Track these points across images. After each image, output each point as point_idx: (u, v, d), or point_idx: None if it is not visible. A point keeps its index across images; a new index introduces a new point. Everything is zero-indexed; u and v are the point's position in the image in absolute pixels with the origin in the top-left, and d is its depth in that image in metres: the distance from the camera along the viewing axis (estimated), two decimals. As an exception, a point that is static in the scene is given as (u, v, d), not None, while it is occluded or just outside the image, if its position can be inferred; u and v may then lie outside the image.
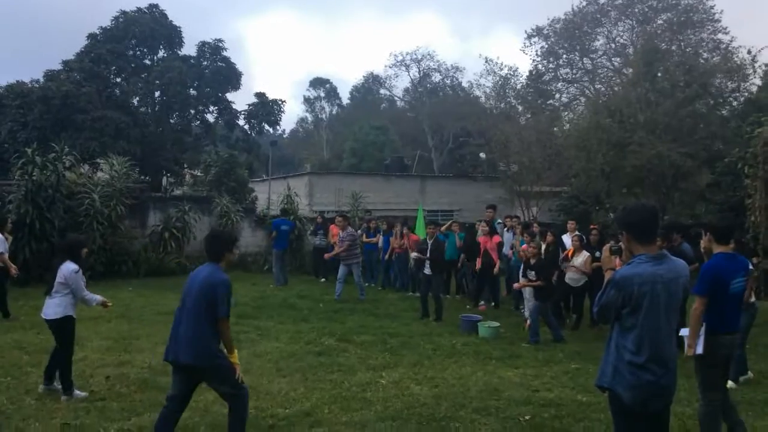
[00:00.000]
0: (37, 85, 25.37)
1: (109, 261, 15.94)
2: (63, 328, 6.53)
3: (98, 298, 6.76)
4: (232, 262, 5.18)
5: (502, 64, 41.38)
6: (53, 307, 6.50)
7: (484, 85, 37.75)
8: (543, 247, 11.31)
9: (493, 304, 13.21)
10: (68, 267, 6.53)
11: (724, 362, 5.21)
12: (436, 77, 53.22)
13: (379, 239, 16.35)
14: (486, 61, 40.01)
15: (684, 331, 5.21)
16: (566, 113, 32.62)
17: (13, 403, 6.29)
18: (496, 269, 12.93)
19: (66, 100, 23.14)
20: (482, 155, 31.59)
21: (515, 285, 11.32)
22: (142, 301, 12.63)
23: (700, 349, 5.07)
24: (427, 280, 11.88)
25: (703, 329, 5.10)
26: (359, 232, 16.71)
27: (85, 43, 27.53)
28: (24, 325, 10.18)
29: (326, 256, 15.35)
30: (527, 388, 7.21)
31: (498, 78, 34.37)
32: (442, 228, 14.15)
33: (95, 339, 9.06)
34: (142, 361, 7.95)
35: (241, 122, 32.29)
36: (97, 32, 27.80)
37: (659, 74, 20.20)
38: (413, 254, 13.11)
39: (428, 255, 11.83)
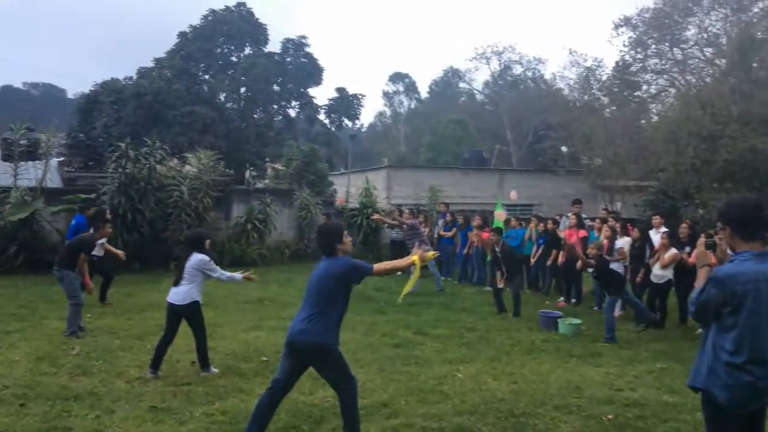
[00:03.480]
0: (131, 83, 26.56)
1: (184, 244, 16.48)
2: (192, 311, 6.97)
3: (237, 275, 7.26)
4: (348, 251, 5.23)
5: (586, 55, 40.31)
6: (182, 294, 6.92)
7: (567, 77, 36.99)
8: (629, 242, 10.99)
9: (574, 300, 12.93)
10: (199, 257, 6.98)
11: None
12: (517, 70, 52.44)
13: (455, 233, 16.29)
14: (570, 53, 39.19)
15: None
16: (654, 105, 31.47)
17: (104, 385, 6.60)
18: (579, 264, 12.62)
19: (157, 97, 24.13)
20: (564, 149, 30.87)
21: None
22: (225, 290, 12.99)
23: None
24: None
25: None
26: (439, 224, 16.75)
27: (175, 42, 28.60)
28: (115, 311, 10.70)
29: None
30: (610, 386, 7.03)
31: (582, 69, 33.52)
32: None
33: (181, 326, 9.41)
34: (226, 348, 8.21)
35: (322, 116, 32.82)
36: (188, 31, 28.82)
37: (755, 64, 19.18)
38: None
39: (500, 263, 11.67)
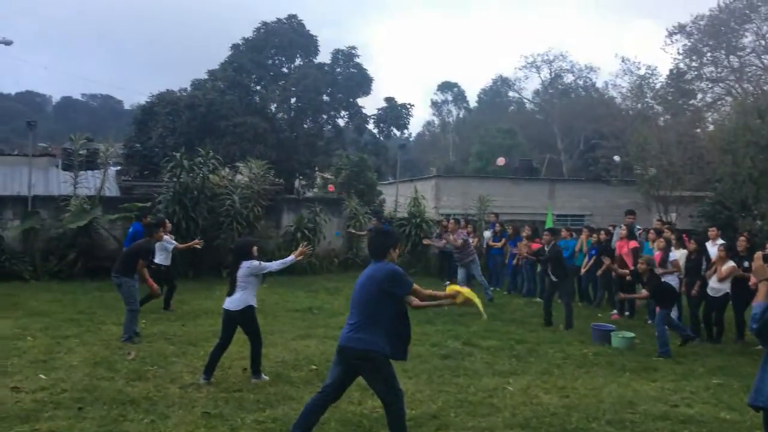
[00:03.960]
0: (185, 94, 27.19)
1: (231, 254, 16.74)
2: (247, 317, 7.09)
3: (289, 258, 7.44)
4: (395, 261, 5.19)
5: (639, 63, 39.62)
6: (236, 301, 7.06)
7: (619, 85, 36.41)
8: (685, 254, 10.71)
9: (627, 313, 12.64)
10: (247, 264, 7.10)
11: None
12: (569, 78, 51.83)
13: (505, 243, 16.14)
14: (622, 61, 38.52)
15: None
16: (710, 114, 30.71)
17: (159, 390, 6.74)
18: (628, 276, 12.36)
19: (210, 108, 24.65)
20: (616, 158, 30.34)
21: (619, 295, 10.90)
22: (275, 298, 13.15)
23: None
24: (552, 286, 11.56)
25: None
26: (487, 234, 16.65)
27: (228, 54, 29.19)
28: (170, 318, 10.93)
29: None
30: (665, 402, 6.85)
31: (635, 78, 32.96)
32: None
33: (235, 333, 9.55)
34: (276, 356, 8.30)
35: (371, 126, 32.99)
36: (240, 43, 29.38)
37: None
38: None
39: (545, 260, 11.54)
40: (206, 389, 6.79)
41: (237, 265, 7.14)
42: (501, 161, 22.92)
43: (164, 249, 11.47)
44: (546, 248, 11.66)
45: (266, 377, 7.22)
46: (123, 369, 7.47)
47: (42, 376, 7.06)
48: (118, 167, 25.54)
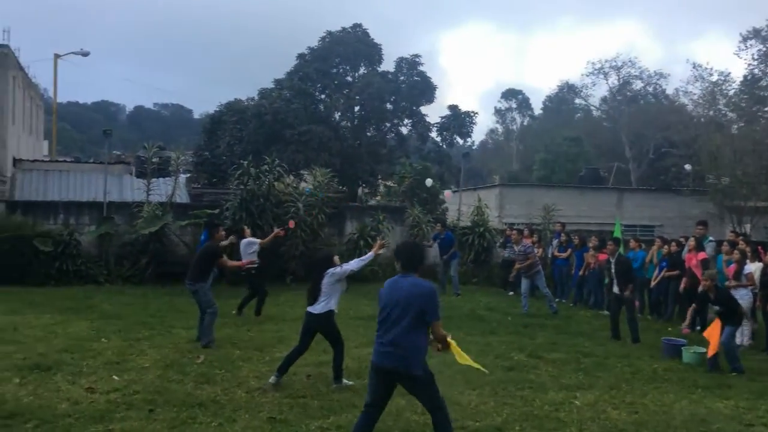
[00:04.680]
0: (252, 103, 27.78)
1: (309, 267, 16.96)
2: (326, 321, 7.28)
3: (367, 255, 7.57)
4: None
5: (711, 69, 38.25)
6: (321, 307, 7.28)
7: (691, 92, 35.31)
8: (761, 268, 10.27)
9: (698, 327, 12.18)
10: (329, 273, 7.30)
11: None
12: (638, 85, 50.51)
13: (571, 254, 15.84)
14: (693, 67, 37.19)
15: None
16: (787, 121, 29.40)
17: (226, 394, 6.89)
18: (700, 288, 11.92)
19: (276, 116, 25.10)
20: (687, 167, 29.38)
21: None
22: (338, 306, 13.21)
23: None
24: (617, 299, 11.24)
25: None
26: (554, 244, 16.39)
27: (294, 63, 29.70)
28: (236, 323, 11.16)
29: (510, 277, 15.36)
30: (739, 421, 6.58)
31: (707, 84, 31.89)
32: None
33: (296, 339, 9.66)
34: (339, 363, 8.34)
35: (434, 134, 32.94)
36: (306, 52, 29.84)
37: None
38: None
39: (614, 273, 11.21)
40: (272, 394, 6.90)
41: (320, 276, 7.30)
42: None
43: (252, 251, 11.68)
44: (611, 259, 11.35)
45: (349, 382, 7.33)
46: (192, 372, 7.67)
47: (115, 378, 7.32)
48: (188, 175, 26.30)
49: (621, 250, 13.47)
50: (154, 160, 17.42)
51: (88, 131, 72.94)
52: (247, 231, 12.35)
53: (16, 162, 21.25)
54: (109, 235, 16.32)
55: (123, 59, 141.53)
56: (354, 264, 7.48)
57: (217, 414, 6.21)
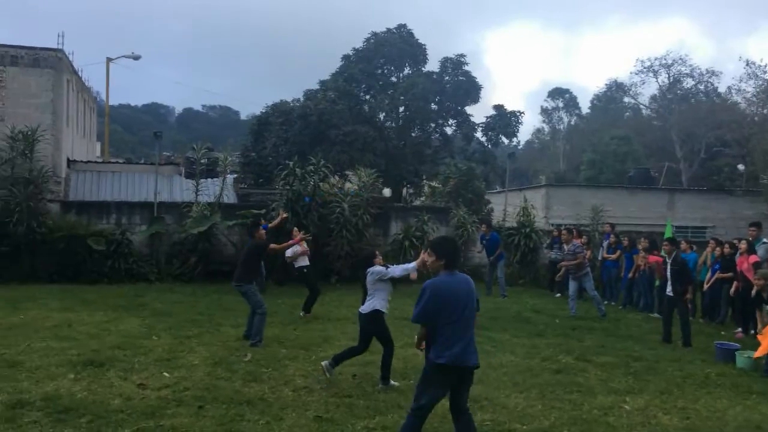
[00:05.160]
0: (298, 104, 28.01)
1: (354, 266, 17.04)
2: (371, 320, 7.36)
3: (410, 265, 7.48)
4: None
5: (766, 66, 37.01)
6: (366, 307, 7.41)
7: (744, 89, 34.29)
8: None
9: (753, 331, 11.81)
10: (371, 269, 7.43)
11: None
12: (688, 83, 49.20)
13: (620, 255, 15.54)
14: (747, 64, 36.07)
15: None
16: None
17: (273, 392, 6.95)
18: (754, 290, 11.55)
19: (322, 117, 25.27)
20: (741, 167, 28.57)
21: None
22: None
23: None
24: (670, 302, 10.97)
25: None
26: (603, 245, 16.12)
27: (339, 64, 29.86)
28: (282, 321, 11.26)
29: (557, 277, 15.07)
30: (797, 429, 6.34)
31: (761, 82, 30.91)
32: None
33: (342, 338, 9.71)
34: (385, 363, 8.34)
35: (479, 134, 32.71)
36: (351, 54, 29.97)
37: None
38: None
39: (669, 274, 10.93)
40: (318, 393, 6.94)
41: (364, 275, 7.47)
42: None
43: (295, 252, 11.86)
44: (668, 260, 11.06)
45: (395, 383, 7.36)
46: (240, 370, 7.76)
47: (166, 374, 7.46)
48: (235, 175, 26.66)
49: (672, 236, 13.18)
50: (202, 161, 17.72)
51: (138, 133, 74.68)
52: (295, 232, 12.40)
53: (71, 163, 21.87)
54: (160, 235, 16.68)
55: (172, 62, 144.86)
56: (397, 270, 7.44)
57: (264, 412, 6.27)
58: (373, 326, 7.37)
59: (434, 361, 4.98)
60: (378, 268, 7.40)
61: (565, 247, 13.93)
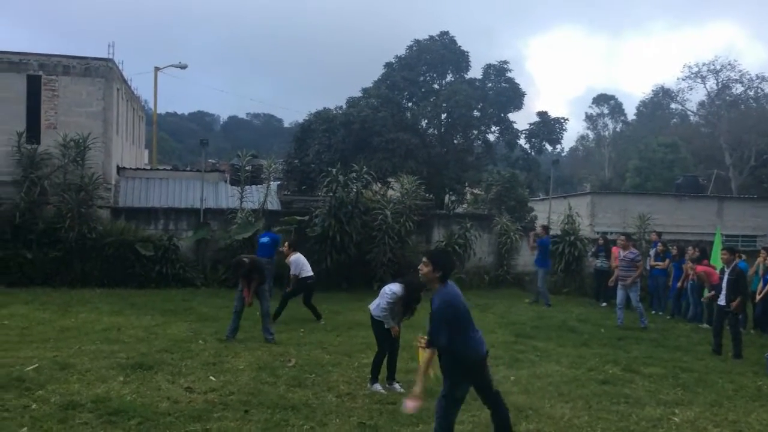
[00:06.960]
0: (341, 112, 28.18)
1: (396, 273, 17.03)
2: (375, 322, 7.65)
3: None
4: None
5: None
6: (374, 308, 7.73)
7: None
8: None
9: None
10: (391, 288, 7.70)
11: None
12: (738, 89, 47.96)
13: (668, 264, 15.20)
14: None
15: None
16: None
17: (317, 398, 7.01)
18: None
19: (364, 124, 25.35)
20: (794, 174, 27.68)
21: None
22: (422, 314, 13.19)
23: None
24: (721, 312, 10.67)
25: None
26: (651, 252, 15.80)
27: (382, 72, 29.97)
28: (326, 327, 11.35)
29: (610, 282, 14.72)
30: None
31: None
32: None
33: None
34: (428, 371, 8.31)
35: (522, 141, 32.38)
36: (393, 61, 30.05)
37: None
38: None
39: (725, 284, 10.62)
40: (361, 399, 6.97)
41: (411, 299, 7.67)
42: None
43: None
44: (726, 269, 10.74)
45: (401, 389, 7.42)
46: (284, 375, 7.84)
47: (212, 378, 7.58)
48: (279, 182, 26.96)
49: (716, 260, 12.81)
50: (247, 168, 17.99)
51: (185, 140, 76.18)
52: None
53: (120, 170, 22.37)
54: (206, 241, 16.97)
55: (218, 71, 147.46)
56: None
57: (308, 417, 6.32)
58: (374, 328, 7.69)
59: (478, 356, 5.37)
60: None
61: (622, 253, 13.50)
